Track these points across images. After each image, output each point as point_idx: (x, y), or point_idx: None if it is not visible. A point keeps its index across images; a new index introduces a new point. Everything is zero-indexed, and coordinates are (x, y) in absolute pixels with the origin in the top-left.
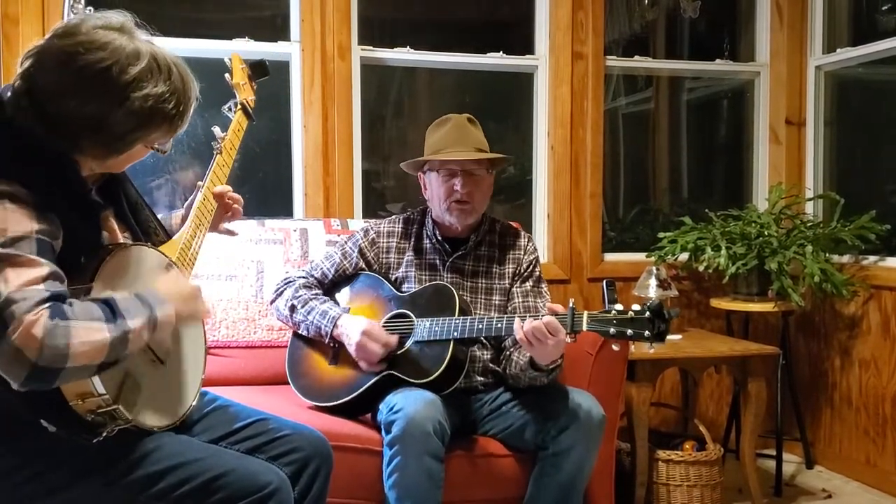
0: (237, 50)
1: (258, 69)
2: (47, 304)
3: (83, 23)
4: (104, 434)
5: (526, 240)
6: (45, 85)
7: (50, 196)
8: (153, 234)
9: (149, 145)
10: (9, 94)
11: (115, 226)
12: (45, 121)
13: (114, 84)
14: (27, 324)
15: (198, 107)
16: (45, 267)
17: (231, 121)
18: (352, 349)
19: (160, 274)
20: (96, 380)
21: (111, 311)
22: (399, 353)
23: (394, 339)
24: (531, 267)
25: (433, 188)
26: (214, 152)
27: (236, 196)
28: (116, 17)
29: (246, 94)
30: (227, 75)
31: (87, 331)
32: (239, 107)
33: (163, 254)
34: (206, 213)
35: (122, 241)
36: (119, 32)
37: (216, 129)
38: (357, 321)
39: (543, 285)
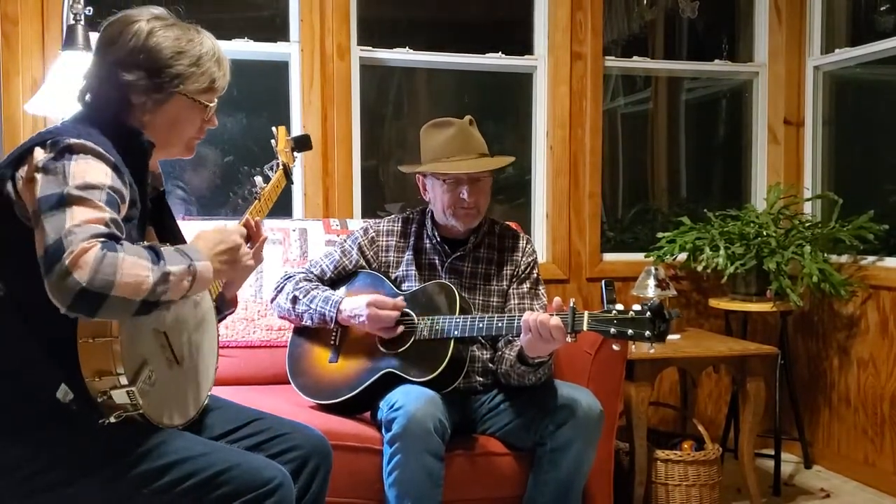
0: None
1: (301, 143)
2: (102, 238)
3: (124, 11)
4: (113, 418)
5: (524, 242)
6: (96, 51)
7: (124, 170)
8: None
9: (192, 97)
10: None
11: (157, 241)
12: (99, 79)
13: (145, 27)
14: (80, 250)
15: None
16: (110, 213)
17: (271, 177)
18: (365, 325)
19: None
20: (117, 358)
21: (155, 254)
22: (400, 350)
23: (400, 300)
24: (529, 269)
25: (437, 194)
26: (252, 198)
27: (260, 232)
28: (155, 9)
29: (287, 159)
30: (272, 141)
31: (134, 265)
32: (281, 168)
33: None
34: None
35: None
36: (153, 13)
37: (258, 179)
38: (359, 297)
39: (541, 288)
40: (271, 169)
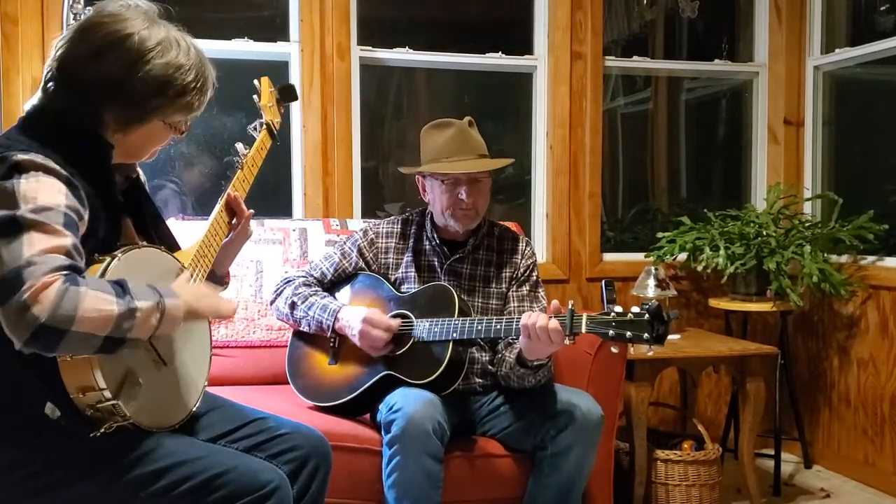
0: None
1: (286, 93)
2: (64, 271)
3: (111, 4)
4: (103, 430)
5: (524, 244)
6: (71, 54)
7: (81, 179)
8: (173, 248)
9: (168, 122)
10: (45, 78)
11: (135, 235)
12: (70, 89)
13: (134, 50)
14: (41, 284)
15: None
16: (69, 239)
17: (255, 140)
18: (355, 339)
19: (171, 277)
20: (98, 373)
21: (122, 288)
22: (398, 353)
23: (395, 322)
24: (528, 271)
25: (435, 194)
26: (235, 167)
27: (244, 207)
28: (143, 3)
29: (272, 115)
30: (255, 96)
31: (96, 300)
32: (264, 127)
33: (176, 259)
34: (222, 224)
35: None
36: (142, 14)
37: (239, 146)
38: (357, 311)
39: (541, 290)
40: (255, 129)
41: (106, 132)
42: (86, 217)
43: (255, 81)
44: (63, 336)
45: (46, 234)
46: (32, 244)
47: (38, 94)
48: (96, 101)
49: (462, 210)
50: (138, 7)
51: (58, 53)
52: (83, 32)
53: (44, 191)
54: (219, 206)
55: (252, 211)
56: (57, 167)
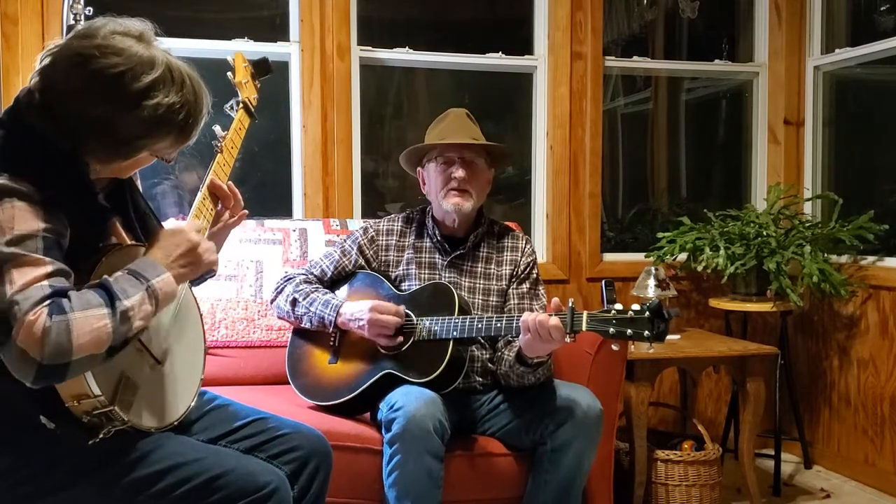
0: (237, 49)
1: (261, 67)
2: (47, 302)
3: (103, 26)
4: (101, 435)
5: (524, 242)
6: (56, 83)
7: (58, 196)
8: None
9: (155, 154)
10: (24, 91)
11: (123, 234)
12: (52, 117)
13: (125, 90)
14: (27, 324)
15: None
16: (50, 265)
17: (233, 119)
18: (364, 329)
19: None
20: (91, 381)
21: (107, 294)
22: (399, 351)
23: (402, 308)
24: (528, 269)
25: (431, 178)
26: (215, 151)
27: (227, 192)
28: (137, 24)
29: (248, 92)
30: (229, 74)
31: (87, 320)
32: (241, 105)
33: None
34: (206, 213)
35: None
36: (137, 40)
37: (217, 128)
38: (361, 302)
39: (540, 288)
40: (232, 109)
41: (86, 156)
42: (67, 234)
43: (229, 58)
44: (67, 367)
45: (25, 267)
46: (13, 281)
47: (19, 98)
48: (78, 133)
49: (455, 189)
50: (133, 30)
51: (43, 67)
52: (72, 59)
53: (19, 217)
54: (200, 195)
55: (238, 196)
56: (29, 191)
